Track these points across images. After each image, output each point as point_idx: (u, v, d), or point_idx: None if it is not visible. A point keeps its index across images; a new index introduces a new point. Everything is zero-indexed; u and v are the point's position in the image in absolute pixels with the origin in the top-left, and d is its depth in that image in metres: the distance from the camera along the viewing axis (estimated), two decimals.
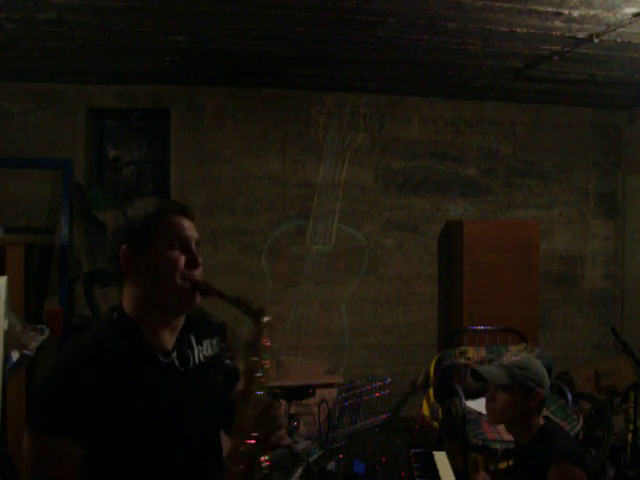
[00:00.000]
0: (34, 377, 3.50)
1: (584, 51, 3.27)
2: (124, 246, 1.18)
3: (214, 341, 1.37)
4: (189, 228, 1.23)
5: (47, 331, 3.03)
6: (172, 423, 1.17)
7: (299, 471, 2.92)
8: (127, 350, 1.15)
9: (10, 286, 2.65)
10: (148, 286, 1.18)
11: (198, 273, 1.21)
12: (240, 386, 1.20)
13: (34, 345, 2.86)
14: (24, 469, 1.07)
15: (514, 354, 2.06)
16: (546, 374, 1.96)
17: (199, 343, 1.31)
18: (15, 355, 2.74)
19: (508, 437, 2.63)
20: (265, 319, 1.18)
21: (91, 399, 1.06)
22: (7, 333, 2.60)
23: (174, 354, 1.22)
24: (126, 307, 1.21)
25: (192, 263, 1.21)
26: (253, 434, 1.11)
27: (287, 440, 1.21)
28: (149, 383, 1.15)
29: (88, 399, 1.06)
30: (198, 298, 1.21)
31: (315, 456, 3.13)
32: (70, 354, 1.16)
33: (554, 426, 1.94)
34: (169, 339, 1.23)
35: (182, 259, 1.19)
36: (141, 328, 1.19)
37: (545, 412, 2.71)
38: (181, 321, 1.26)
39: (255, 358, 1.16)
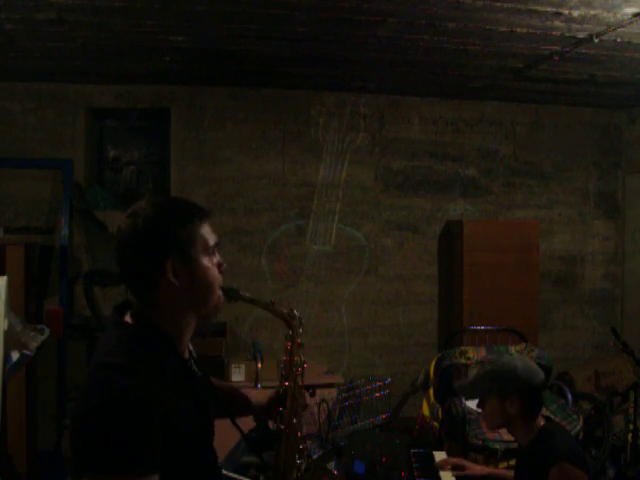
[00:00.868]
0: (34, 377, 3.50)
1: (584, 51, 3.27)
2: (170, 259, 1.11)
3: None
4: (215, 231, 1.22)
5: (47, 331, 3.03)
6: (210, 429, 1.21)
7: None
8: (170, 365, 1.11)
9: (10, 286, 2.65)
10: (191, 297, 1.15)
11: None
12: (284, 384, 1.37)
13: (34, 345, 2.85)
14: None
15: (490, 360, 2.06)
16: (531, 376, 1.91)
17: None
18: (15, 355, 2.73)
19: (508, 437, 2.63)
20: (297, 322, 1.35)
21: (163, 427, 1.01)
22: (7, 333, 2.60)
23: (192, 361, 1.23)
24: (156, 319, 1.13)
25: (220, 267, 1.20)
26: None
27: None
28: (191, 395, 1.15)
29: (161, 428, 1.01)
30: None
31: (315, 456, 3.12)
32: (125, 383, 1.01)
33: (555, 427, 1.94)
34: (187, 347, 1.23)
35: (216, 266, 1.19)
36: (175, 340, 1.16)
37: (545, 412, 2.71)
38: None
39: (296, 358, 1.35)
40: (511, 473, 2.14)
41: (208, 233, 1.18)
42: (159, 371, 1.06)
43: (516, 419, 1.92)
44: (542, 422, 1.92)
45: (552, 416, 3.05)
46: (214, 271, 1.17)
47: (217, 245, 1.21)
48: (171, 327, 1.14)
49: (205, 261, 1.16)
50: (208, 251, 1.17)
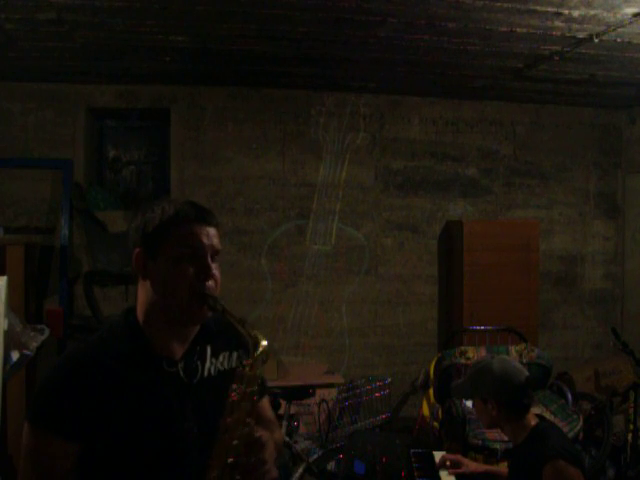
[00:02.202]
0: (34, 377, 3.50)
1: (584, 51, 3.27)
2: (137, 249, 1.16)
3: (235, 354, 1.30)
4: (207, 236, 1.16)
5: (47, 331, 3.03)
6: (167, 432, 1.14)
7: (299, 471, 2.92)
8: (130, 355, 1.14)
9: (10, 286, 2.65)
10: (156, 293, 1.15)
11: (211, 284, 1.15)
12: (226, 417, 1.09)
13: (34, 345, 2.86)
14: (21, 452, 1.13)
15: (474, 363, 2.07)
16: (508, 379, 1.91)
17: (215, 355, 1.26)
18: (15, 355, 2.73)
19: None
20: (261, 351, 1.10)
21: (87, 401, 1.08)
22: (7, 333, 2.60)
23: (180, 364, 1.19)
24: (137, 310, 1.19)
25: (203, 274, 1.14)
26: (231, 461, 1.06)
27: (273, 474, 1.14)
28: (147, 390, 1.13)
29: (84, 401, 1.08)
30: (207, 311, 1.14)
31: (315, 456, 3.13)
32: (74, 354, 1.17)
33: (547, 426, 1.93)
34: (178, 348, 1.19)
35: (191, 270, 1.13)
36: (148, 334, 1.16)
37: (545, 412, 2.71)
38: (193, 331, 1.21)
39: (244, 389, 1.09)
40: (507, 470, 2.15)
41: (187, 235, 1.14)
42: (110, 356, 1.13)
43: (501, 420, 1.93)
44: (534, 421, 1.92)
45: (552, 416, 3.06)
46: (180, 273, 1.13)
47: (203, 251, 1.15)
48: (148, 321, 1.17)
49: (171, 260, 1.13)
50: (181, 253, 1.13)
